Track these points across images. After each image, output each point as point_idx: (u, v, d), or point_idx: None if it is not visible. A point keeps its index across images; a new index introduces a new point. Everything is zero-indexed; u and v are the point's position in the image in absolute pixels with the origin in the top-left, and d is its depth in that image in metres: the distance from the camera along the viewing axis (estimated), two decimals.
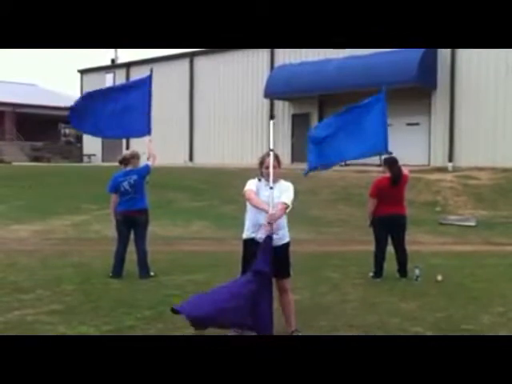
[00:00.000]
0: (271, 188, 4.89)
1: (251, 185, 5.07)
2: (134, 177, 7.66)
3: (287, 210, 4.99)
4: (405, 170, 7.89)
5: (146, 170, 7.78)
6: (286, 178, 5.30)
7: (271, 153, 4.97)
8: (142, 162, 7.92)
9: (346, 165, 21.18)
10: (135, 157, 7.84)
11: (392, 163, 7.80)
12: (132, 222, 7.70)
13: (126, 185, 7.62)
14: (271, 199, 4.87)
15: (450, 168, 19.31)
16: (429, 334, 5.16)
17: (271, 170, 4.93)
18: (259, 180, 5.11)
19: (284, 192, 5.00)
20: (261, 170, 5.09)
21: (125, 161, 7.80)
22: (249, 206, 5.07)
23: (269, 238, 4.74)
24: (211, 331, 4.68)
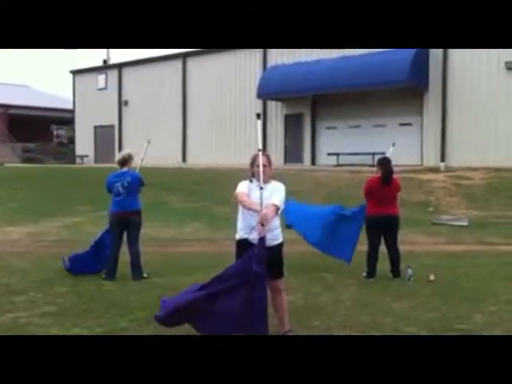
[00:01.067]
0: (261, 188, 4.87)
1: (242, 187, 5.06)
2: (128, 179, 7.65)
3: (279, 211, 4.98)
4: (394, 176, 7.90)
5: (142, 181, 7.79)
6: (280, 178, 5.31)
7: (260, 153, 4.96)
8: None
9: (340, 165, 21.30)
10: (131, 158, 7.86)
11: (384, 163, 7.84)
12: (125, 224, 7.68)
13: (119, 186, 7.61)
14: (262, 199, 4.86)
15: (442, 168, 19.36)
16: (422, 334, 5.18)
17: (261, 169, 4.90)
18: (250, 181, 5.10)
19: (275, 192, 5.00)
20: (252, 170, 5.09)
21: (124, 162, 7.79)
22: (241, 207, 5.07)
23: (262, 239, 4.74)
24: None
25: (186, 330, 4.95)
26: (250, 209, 4.88)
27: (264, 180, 5.01)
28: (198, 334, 4.73)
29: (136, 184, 7.72)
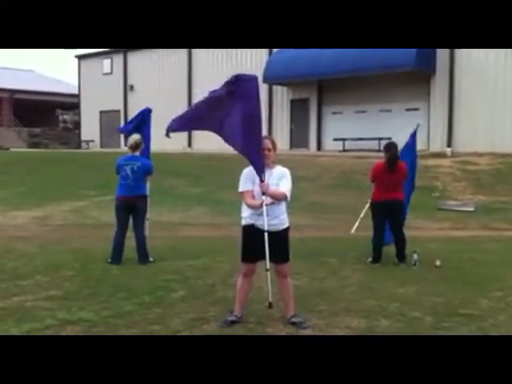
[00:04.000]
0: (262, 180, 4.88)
1: (246, 181, 5.01)
2: (138, 164, 7.65)
3: (287, 199, 4.98)
4: (402, 162, 7.88)
5: (150, 170, 7.79)
6: (285, 164, 5.28)
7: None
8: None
9: (345, 150, 21.24)
10: (142, 143, 7.86)
11: (388, 148, 7.80)
12: (131, 208, 7.68)
13: (128, 169, 7.60)
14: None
15: (448, 153, 19.30)
16: (420, 335, 5.18)
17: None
18: None
19: (283, 180, 4.97)
20: None
21: (137, 146, 7.78)
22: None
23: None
24: (205, 331, 4.67)
25: (184, 330, 4.97)
26: (259, 208, 4.87)
27: (268, 164, 5.00)
28: (197, 334, 4.70)
29: (145, 170, 7.71)
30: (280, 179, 4.97)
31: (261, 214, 4.89)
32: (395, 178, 7.72)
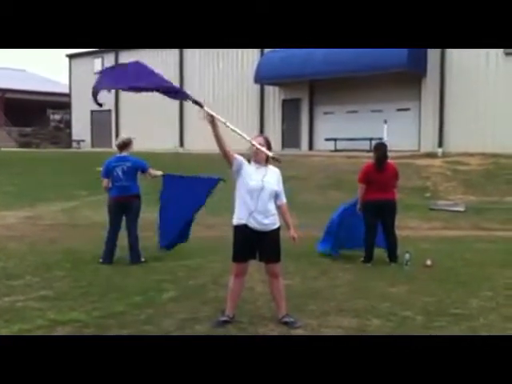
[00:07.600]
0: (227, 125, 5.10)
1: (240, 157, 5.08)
2: (128, 164, 7.63)
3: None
4: (391, 162, 7.92)
5: (143, 166, 7.76)
6: (276, 163, 5.29)
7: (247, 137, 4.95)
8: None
9: (337, 150, 21.27)
10: (131, 143, 7.83)
11: (377, 148, 7.84)
12: (124, 208, 7.67)
13: (119, 170, 7.59)
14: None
15: (439, 153, 19.36)
16: (420, 335, 5.20)
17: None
18: (249, 162, 5.10)
19: (279, 184, 5.10)
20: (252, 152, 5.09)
21: (125, 145, 7.75)
22: (240, 193, 5.05)
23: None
24: (197, 331, 4.65)
25: (176, 330, 4.96)
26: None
27: (261, 162, 5.03)
28: (189, 334, 4.68)
29: (138, 168, 7.70)
30: (278, 183, 5.10)
31: (253, 214, 4.91)
32: (385, 177, 7.75)
